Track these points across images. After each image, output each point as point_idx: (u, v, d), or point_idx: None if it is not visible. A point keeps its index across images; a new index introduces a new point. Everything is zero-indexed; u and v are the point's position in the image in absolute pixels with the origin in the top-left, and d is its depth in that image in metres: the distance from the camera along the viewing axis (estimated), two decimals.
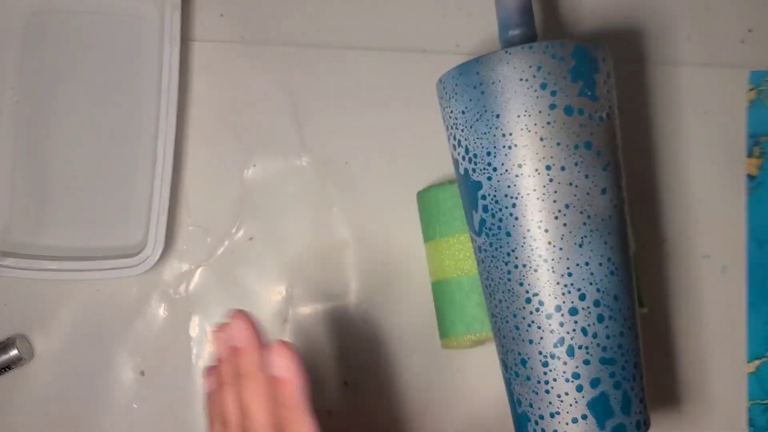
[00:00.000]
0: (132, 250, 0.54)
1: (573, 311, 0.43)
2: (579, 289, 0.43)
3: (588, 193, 0.43)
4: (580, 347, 0.43)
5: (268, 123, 0.57)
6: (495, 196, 0.44)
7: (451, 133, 0.47)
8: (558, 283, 0.43)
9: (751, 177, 0.40)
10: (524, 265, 0.44)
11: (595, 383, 0.43)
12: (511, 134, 0.43)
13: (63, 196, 0.56)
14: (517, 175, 0.43)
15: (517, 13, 0.48)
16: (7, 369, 0.54)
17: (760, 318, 0.39)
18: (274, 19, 0.58)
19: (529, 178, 0.43)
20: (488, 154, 0.44)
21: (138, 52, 0.57)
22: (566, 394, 0.43)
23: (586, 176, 0.43)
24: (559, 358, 0.43)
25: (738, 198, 0.57)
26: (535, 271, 0.43)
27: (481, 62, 0.44)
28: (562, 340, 0.43)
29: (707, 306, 0.56)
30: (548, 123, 0.43)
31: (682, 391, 0.56)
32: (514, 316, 0.44)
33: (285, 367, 0.38)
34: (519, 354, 0.44)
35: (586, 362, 0.43)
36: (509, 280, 0.44)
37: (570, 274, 0.43)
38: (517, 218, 0.43)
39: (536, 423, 0.44)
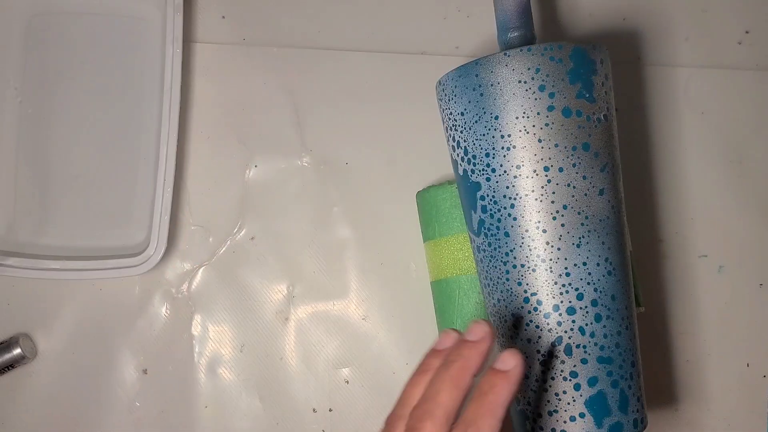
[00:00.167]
0: (134, 249, 0.55)
1: (571, 311, 0.43)
2: (577, 289, 0.43)
3: (586, 194, 0.44)
4: (578, 346, 0.43)
5: (269, 124, 0.58)
6: (494, 196, 0.44)
7: (450, 135, 0.47)
8: (556, 283, 0.43)
9: None
10: (522, 265, 0.44)
11: (592, 382, 0.43)
12: (509, 135, 0.44)
13: (65, 196, 0.56)
14: (515, 176, 0.44)
15: (516, 16, 0.48)
16: (10, 368, 0.54)
17: None
18: (275, 21, 0.58)
19: (528, 179, 0.43)
20: (487, 155, 0.44)
21: (140, 54, 0.57)
22: (564, 392, 0.43)
23: (584, 177, 0.44)
24: (557, 357, 0.43)
25: (734, 198, 0.58)
26: (533, 270, 0.44)
27: (480, 64, 0.44)
28: (560, 339, 0.43)
29: (704, 305, 0.56)
30: (546, 124, 0.43)
31: (679, 389, 0.57)
32: (513, 315, 0.45)
33: (512, 362, 0.38)
34: None
35: (584, 361, 0.43)
36: (508, 279, 0.45)
37: (568, 274, 0.43)
38: (515, 219, 0.44)
39: (534, 421, 0.44)
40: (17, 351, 0.54)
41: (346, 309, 0.57)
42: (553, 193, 0.43)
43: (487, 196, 0.45)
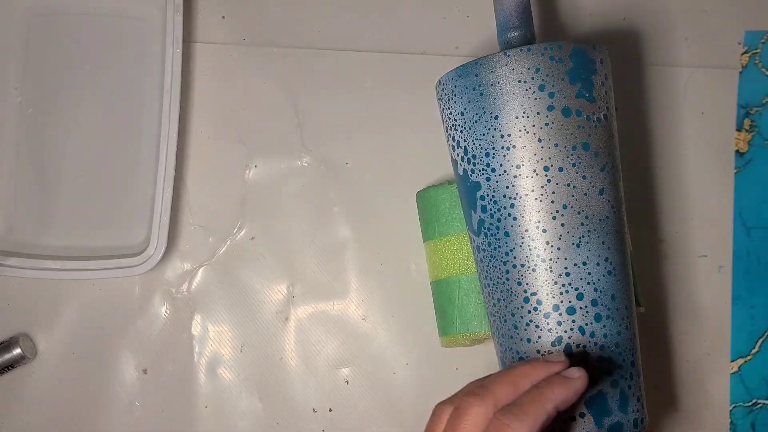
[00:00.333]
0: (135, 249, 0.55)
1: (571, 310, 0.43)
2: (577, 289, 0.43)
3: (586, 194, 0.44)
4: (577, 346, 0.43)
5: (269, 124, 0.58)
6: (493, 196, 0.45)
7: (450, 134, 0.47)
8: (556, 283, 0.43)
9: (740, 153, 0.35)
10: (522, 265, 0.44)
11: (592, 381, 0.43)
12: (509, 135, 0.44)
13: (66, 196, 0.56)
14: (515, 176, 0.44)
15: (516, 15, 0.48)
16: (10, 368, 0.54)
17: (745, 312, 0.35)
18: (276, 21, 0.58)
19: (528, 178, 0.43)
20: (487, 155, 0.44)
21: (141, 54, 0.57)
22: None
23: (584, 177, 0.44)
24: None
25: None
26: (533, 270, 0.44)
27: (480, 64, 0.44)
28: (560, 339, 0.43)
29: (704, 305, 0.56)
30: (546, 124, 0.43)
31: (679, 389, 0.57)
32: (513, 315, 0.45)
33: (576, 373, 0.38)
34: (517, 353, 0.45)
35: (584, 361, 0.43)
36: (508, 279, 0.45)
37: (568, 274, 0.43)
38: (515, 218, 0.44)
39: None
40: (17, 351, 0.54)
41: (346, 309, 0.57)
42: (553, 192, 0.43)
43: (487, 195, 0.45)
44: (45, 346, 0.56)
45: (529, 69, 0.43)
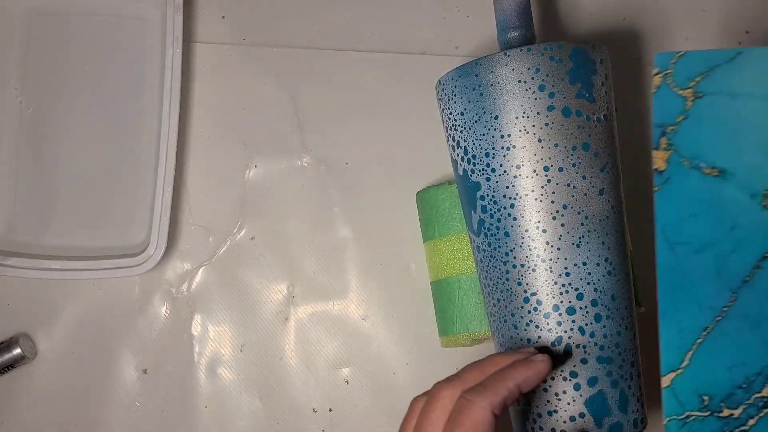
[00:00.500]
0: (135, 249, 0.55)
1: (571, 311, 0.43)
2: (576, 289, 0.43)
3: (586, 194, 0.44)
4: (577, 346, 0.43)
5: (269, 124, 0.58)
6: (493, 196, 0.45)
7: (450, 134, 0.47)
8: (556, 283, 0.43)
9: (659, 172, 0.36)
10: (522, 265, 0.44)
11: (592, 382, 0.43)
12: (509, 135, 0.44)
13: (66, 196, 0.56)
14: (515, 176, 0.44)
15: (516, 15, 0.48)
16: (10, 367, 0.55)
17: (673, 327, 0.36)
18: (275, 21, 0.58)
19: (528, 178, 0.43)
20: (487, 155, 0.44)
21: (140, 54, 0.57)
22: (564, 392, 0.43)
23: (584, 177, 0.44)
24: (556, 357, 0.43)
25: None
26: (533, 270, 0.44)
27: (480, 64, 0.44)
28: (560, 339, 0.43)
29: None
30: (546, 124, 0.43)
31: None
32: (513, 315, 0.45)
33: (540, 357, 0.40)
34: None
35: (584, 361, 0.43)
36: (507, 279, 0.45)
37: (568, 274, 0.43)
38: (515, 218, 0.44)
39: (534, 421, 0.44)
40: (17, 351, 0.54)
41: (346, 309, 0.57)
42: (553, 193, 0.43)
43: (487, 196, 0.45)
44: (45, 346, 0.56)
45: (529, 69, 0.43)
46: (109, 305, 0.56)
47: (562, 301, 0.43)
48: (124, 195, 0.56)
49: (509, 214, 0.44)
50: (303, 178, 0.57)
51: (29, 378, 0.56)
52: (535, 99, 0.43)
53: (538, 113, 0.43)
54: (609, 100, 0.46)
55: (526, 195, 0.43)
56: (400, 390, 0.56)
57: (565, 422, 0.43)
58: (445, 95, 0.47)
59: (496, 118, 0.44)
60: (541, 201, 0.43)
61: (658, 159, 0.37)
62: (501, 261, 0.45)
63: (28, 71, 0.57)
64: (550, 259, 0.43)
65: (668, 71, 0.37)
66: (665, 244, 0.36)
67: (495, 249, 0.45)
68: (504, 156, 0.44)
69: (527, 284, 0.44)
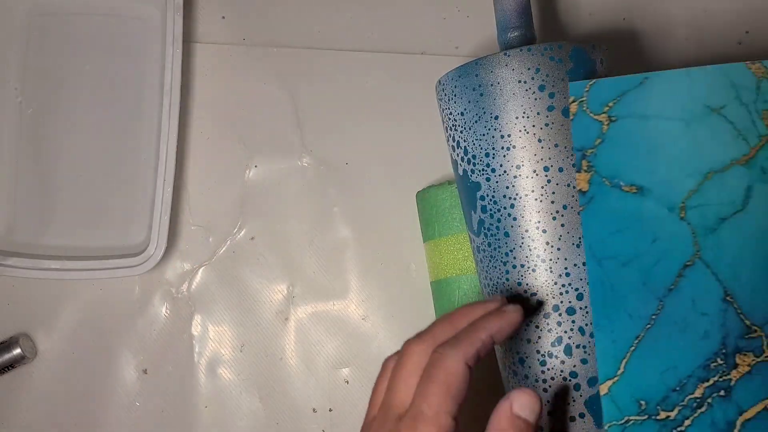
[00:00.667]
0: (135, 249, 0.55)
1: (570, 311, 0.43)
2: (576, 289, 0.43)
3: None
4: (577, 346, 0.43)
5: (269, 124, 0.58)
6: (493, 196, 0.45)
7: (450, 135, 0.47)
8: (556, 283, 0.43)
9: (582, 193, 0.39)
10: (522, 265, 0.44)
11: (592, 382, 0.43)
12: (509, 135, 0.44)
13: (66, 196, 0.56)
14: (515, 176, 0.44)
15: (516, 15, 0.48)
16: (10, 368, 0.55)
17: (607, 338, 0.38)
18: (275, 21, 0.58)
19: (528, 179, 0.43)
20: (487, 155, 0.45)
21: (140, 54, 0.57)
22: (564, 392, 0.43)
23: None
24: (556, 357, 0.43)
25: None
26: (533, 271, 0.44)
27: (480, 64, 0.44)
28: (560, 339, 0.43)
29: None
30: (546, 124, 0.43)
31: None
32: None
33: (512, 307, 0.40)
34: (517, 353, 0.45)
35: (584, 361, 0.43)
36: (508, 279, 0.45)
37: (568, 274, 0.43)
38: (515, 219, 0.44)
39: None
40: (17, 351, 0.54)
41: (346, 309, 0.57)
42: (553, 193, 0.43)
43: (487, 196, 0.45)
44: (45, 346, 0.56)
45: (529, 69, 0.43)
46: (109, 305, 0.56)
47: (562, 302, 0.43)
48: (124, 195, 0.56)
49: (509, 214, 0.44)
50: (303, 178, 0.57)
51: (29, 378, 0.56)
52: (535, 99, 0.43)
53: (538, 113, 0.43)
54: None
55: (526, 195, 0.43)
56: None
57: (565, 422, 0.43)
58: (445, 95, 0.47)
59: (496, 118, 0.44)
60: (541, 201, 0.43)
61: (581, 181, 0.39)
62: (501, 261, 0.45)
63: (28, 71, 0.57)
64: (550, 260, 0.43)
65: (582, 99, 0.39)
66: (593, 259, 0.38)
67: (495, 249, 0.45)
68: (504, 156, 0.44)
69: (527, 284, 0.44)
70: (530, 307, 0.43)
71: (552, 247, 0.43)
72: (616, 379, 0.37)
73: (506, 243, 0.44)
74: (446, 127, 0.48)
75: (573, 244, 0.43)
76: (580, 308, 0.43)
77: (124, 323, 0.56)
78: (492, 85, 0.44)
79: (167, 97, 0.53)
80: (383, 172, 0.57)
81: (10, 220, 0.56)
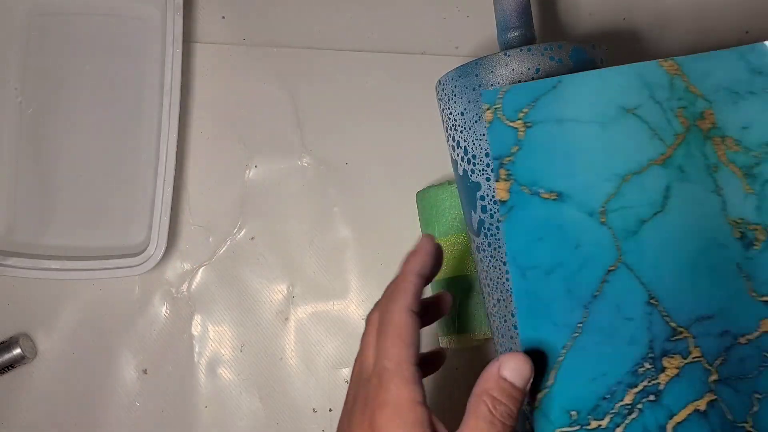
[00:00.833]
0: (135, 249, 0.55)
1: None
2: None
3: None
4: None
5: (269, 124, 0.58)
6: (493, 196, 0.44)
7: (450, 134, 0.47)
8: None
9: (502, 202, 0.38)
10: None
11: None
12: None
13: (66, 196, 0.56)
14: None
15: (516, 15, 0.48)
16: (10, 367, 0.55)
17: (535, 348, 0.38)
18: (275, 22, 0.58)
19: None
20: (487, 155, 0.44)
21: (140, 54, 0.57)
22: None
23: None
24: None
25: None
26: None
27: (480, 64, 0.44)
28: None
29: None
30: None
31: None
32: (513, 315, 0.45)
33: (425, 238, 0.41)
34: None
35: None
36: (507, 279, 0.45)
37: None
38: None
39: (533, 422, 0.44)
40: (17, 351, 0.54)
41: (346, 309, 0.57)
42: None
43: (487, 196, 0.45)
44: (45, 346, 0.56)
45: (529, 69, 0.43)
46: (109, 305, 0.56)
47: None
48: (124, 195, 0.56)
49: None
50: (303, 178, 0.57)
51: (29, 378, 0.56)
52: None
53: None
54: None
55: None
56: None
57: None
58: (445, 95, 0.47)
59: None
60: None
61: (501, 190, 0.38)
62: (501, 261, 0.45)
63: (28, 71, 0.57)
64: None
65: (497, 106, 0.38)
66: (517, 270, 0.37)
67: (495, 249, 0.45)
68: None
69: None
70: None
71: None
72: (546, 391, 0.37)
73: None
74: (446, 127, 0.47)
75: None
76: None
77: (124, 323, 0.56)
78: (492, 85, 0.44)
79: (167, 97, 0.53)
80: (383, 172, 0.57)
81: (10, 220, 0.56)
